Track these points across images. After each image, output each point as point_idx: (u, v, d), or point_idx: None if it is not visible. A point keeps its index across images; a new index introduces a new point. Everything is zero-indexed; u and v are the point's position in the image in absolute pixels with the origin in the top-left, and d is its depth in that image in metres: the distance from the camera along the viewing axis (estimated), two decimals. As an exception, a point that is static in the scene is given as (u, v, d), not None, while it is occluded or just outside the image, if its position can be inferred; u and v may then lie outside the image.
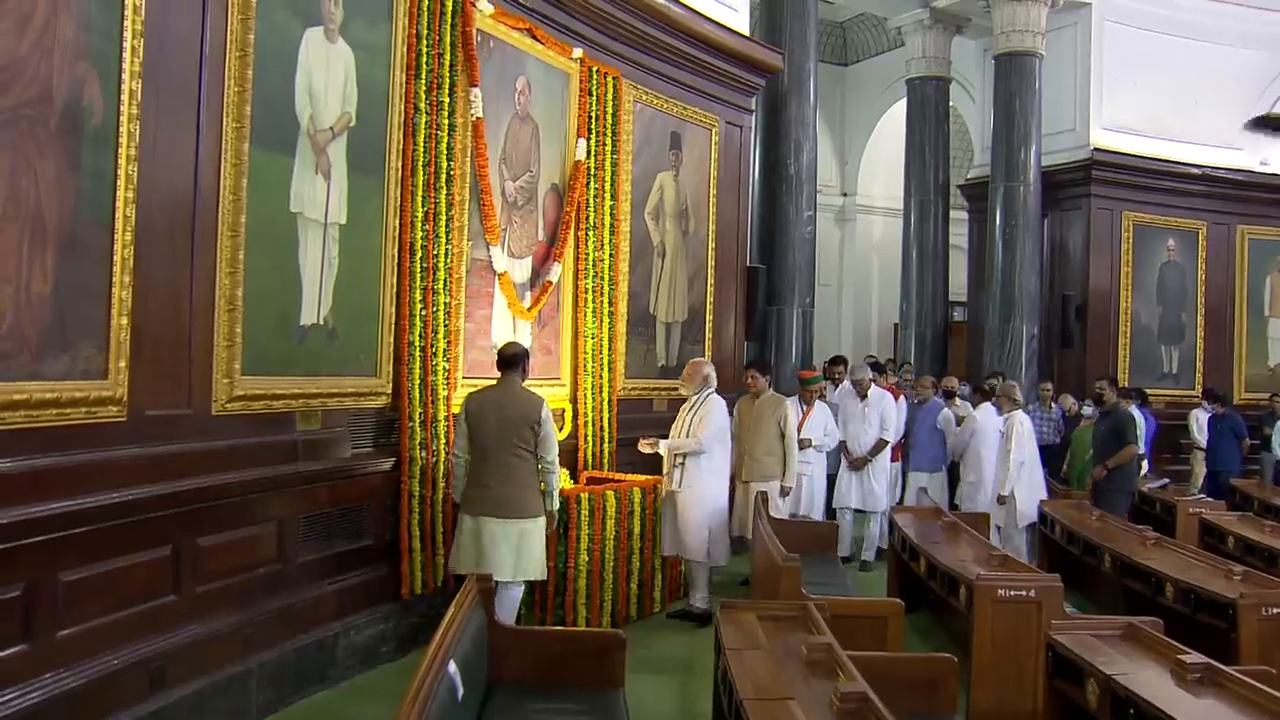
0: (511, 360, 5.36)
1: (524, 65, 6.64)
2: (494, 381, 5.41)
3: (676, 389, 7.05)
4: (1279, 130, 13.43)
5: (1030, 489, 8.12)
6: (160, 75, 4.05)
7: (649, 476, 6.73)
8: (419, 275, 5.59)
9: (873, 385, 8.52)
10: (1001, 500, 7.99)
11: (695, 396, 6.65)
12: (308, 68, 4.90)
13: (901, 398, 8.90)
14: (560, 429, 6.93)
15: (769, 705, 3.21)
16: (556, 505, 5.39)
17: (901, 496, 9.01)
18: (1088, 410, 10.12)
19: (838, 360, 9.67)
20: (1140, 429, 9.27)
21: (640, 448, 6.72)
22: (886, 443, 8.42)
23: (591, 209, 7.20)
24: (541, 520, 5.30)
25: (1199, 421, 11.26)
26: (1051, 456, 10.41)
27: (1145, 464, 10.10)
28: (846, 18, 16.46)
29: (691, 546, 6.51)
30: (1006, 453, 8.00)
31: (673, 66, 8.17)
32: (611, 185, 7.39)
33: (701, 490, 6.52)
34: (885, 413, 8.41)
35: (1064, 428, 10.73)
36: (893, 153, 15.44)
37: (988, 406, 8.59)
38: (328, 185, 5.07)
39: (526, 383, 5.42)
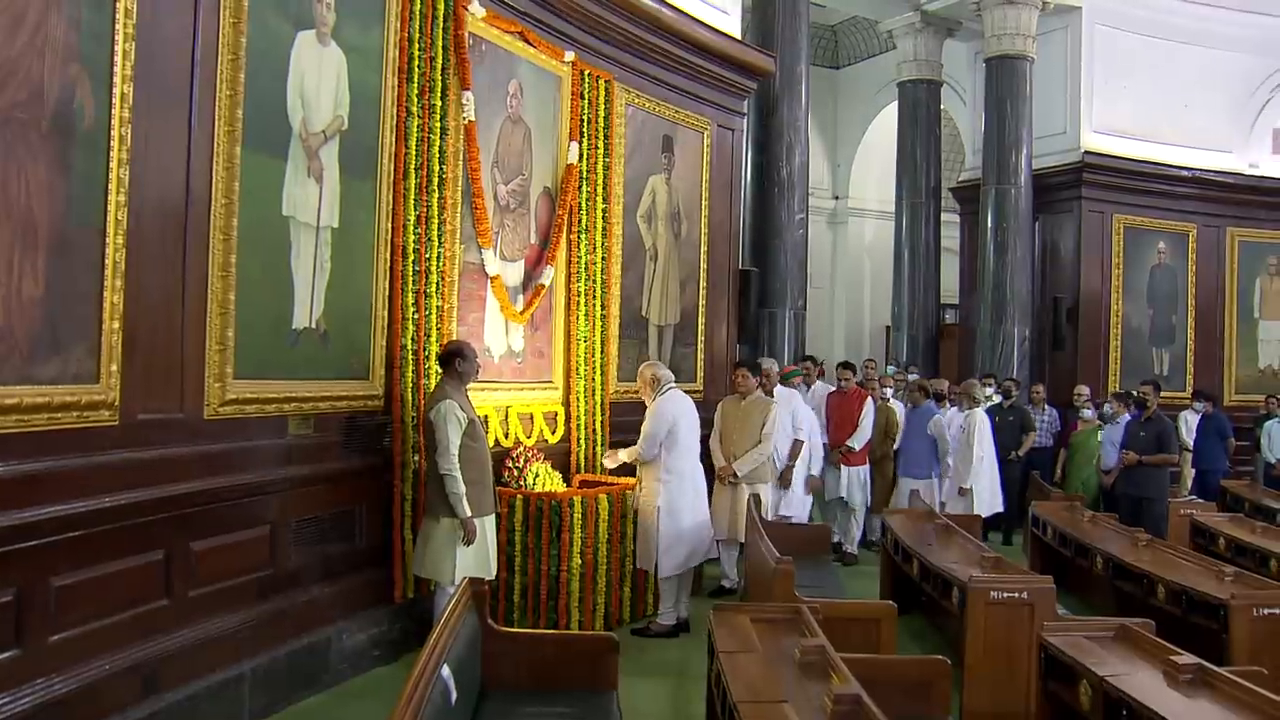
0: (441, 359, 5.40)
1: (516, 68, 6.64)
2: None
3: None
4: None
5: (988, 483, 8.69)
6: (152, 78, 4.04)
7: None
8: (411, 279, 5.58)
9: (779, 385, 8.05)
10: (962, 492, 8.55)
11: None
12: (300, 71, 4.89)
13: (869, 399, 8.84)
14: (553, 432, 6.95)
15: (762, 708, 3.22)
16: (464, 513, 5.04)
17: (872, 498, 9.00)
18: (1087, 414, 10.12)
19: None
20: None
21: (605, 461, 6.63)
22: (801, 443, 7.95)
23: (584, 212, 7.20)
24: (444, 522, 5.11)
25: (1189, 423, 11.29)
26: (1044, 459, 10.45)
27: None
28: (838, 21, 16.51)
29: (640, 554, 6.31)
30: (968, 447, 8.56)
31: (665, 70, 8.18)
32: (604, 188, 7.38)
33: (647, 498, 6.28)
34: (795, 411, 7.97)
35: (1058, 430, 10.75)
36: (884, 155, 15.51)
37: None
38: (320, 188, 5.06)
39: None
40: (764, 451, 7.13)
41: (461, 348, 5.37)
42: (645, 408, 6.41)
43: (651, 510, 6.23)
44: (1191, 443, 11.11)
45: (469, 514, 5.09)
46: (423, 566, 5.27)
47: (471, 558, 5.16)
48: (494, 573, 5.35)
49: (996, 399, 10.26)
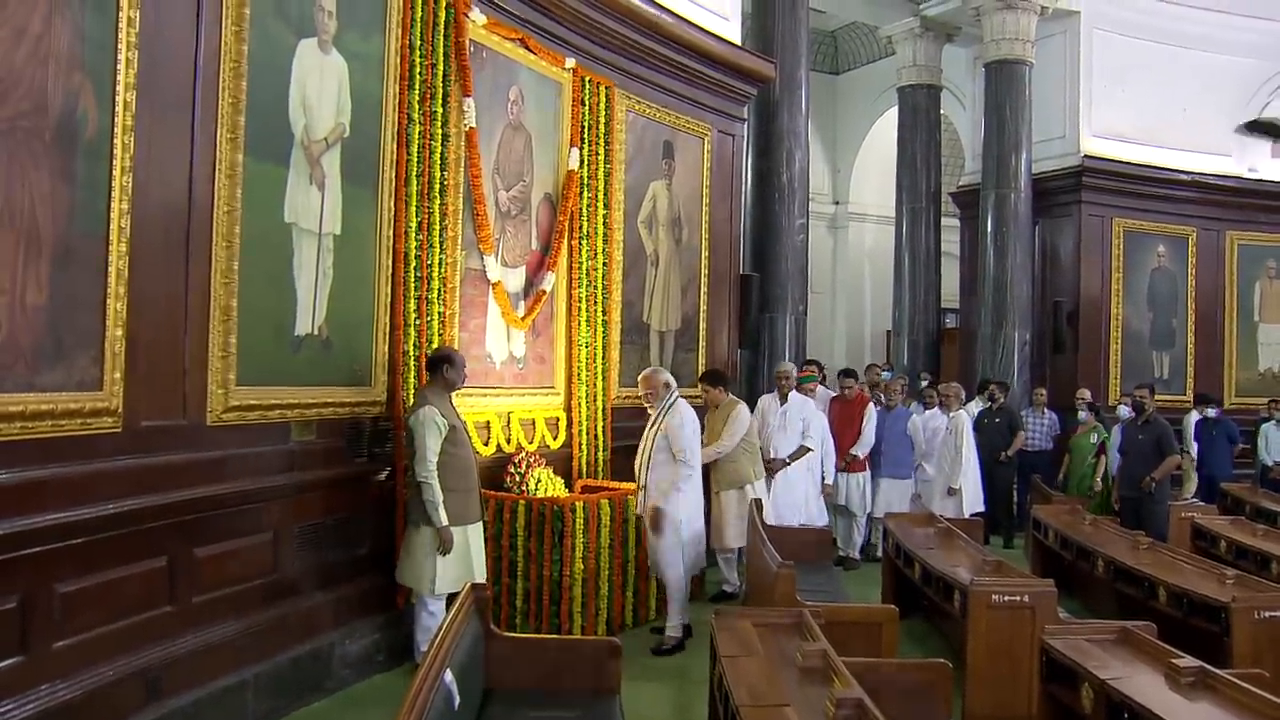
0: (429, 363, 5.40)
1: (517, 75, 6.66)
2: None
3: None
4: (1269, 135, 13.49)
5: (973, 482, 8.81)
6: (155, 86, 4.07)
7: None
8: (413, 285, 5.59)
9: (794, 390, 8.01)
10: (951, 492, 8.63)
11: (659, 407, 6.20)
12: (301, 79, 4.91)
13: (870, 405, 8.82)
14: (555, 437, 6.96)
15: (765, 712, 3.22)
16: (440, 522, 5.04)
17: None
18: (1083, 415, 10.12)
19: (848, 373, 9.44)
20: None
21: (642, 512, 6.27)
22: (807, 449, 7.87)
23: (585, 218, 7.22)
24: (424, 531, 5.10)
25: (1192, 426, 11.29)
26: (1044, 463, 10.45)
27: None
28: (838, 26, 16.53)
29: (688, 562, 6.19)
30: (956, 449, 8.64)
31: (665, 76, 8.20)
32: (604, 194, 7.40)
33: (671, 508, 6.04)
34: (808, 418, 7.93)
35: (1059, 433, 10.75)
36: (884, 160, 15.50)
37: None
38: (322, 196, 5.08)
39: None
40: (720, 449, 7.08)
41: (451, 354, 5.34)
42: (646, 413, 6.36)
43: (676, 520, 6.06)
44: (1195, 447, 11.11)
45: (445, 523, 5.06)
46: (403, 575, 5.27)
47: (453, 567, 5.12)
48: (482, 579, 5.26)
49: (975, 409, 10.18)
